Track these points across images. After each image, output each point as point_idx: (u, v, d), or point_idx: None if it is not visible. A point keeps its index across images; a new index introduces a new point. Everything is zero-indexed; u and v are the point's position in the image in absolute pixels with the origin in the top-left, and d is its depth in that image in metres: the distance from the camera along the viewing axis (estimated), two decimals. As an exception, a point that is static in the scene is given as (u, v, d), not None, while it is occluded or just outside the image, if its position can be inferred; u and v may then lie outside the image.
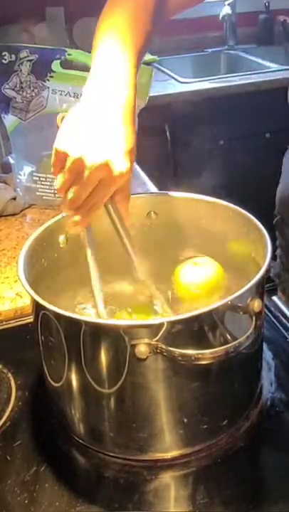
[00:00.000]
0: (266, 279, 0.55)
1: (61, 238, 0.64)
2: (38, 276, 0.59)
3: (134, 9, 0.62)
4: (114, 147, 0.53)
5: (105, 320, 0.56)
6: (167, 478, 0.55)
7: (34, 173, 1.02)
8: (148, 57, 2.07)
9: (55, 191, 1.02)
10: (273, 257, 0.94)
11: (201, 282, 0.63)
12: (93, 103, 0.55)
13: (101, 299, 0.56)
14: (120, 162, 0.52)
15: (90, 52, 0.63)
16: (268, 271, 0.53)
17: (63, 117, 0.55)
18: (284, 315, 0.72)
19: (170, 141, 1.80)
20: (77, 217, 0.54)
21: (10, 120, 0.99)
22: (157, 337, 0.48)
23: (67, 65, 0.96)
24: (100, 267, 0.57)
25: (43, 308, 0.51)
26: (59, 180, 0.54)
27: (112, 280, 0.64)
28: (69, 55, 0.94)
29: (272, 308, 0.74)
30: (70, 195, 0.53)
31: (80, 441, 0.58)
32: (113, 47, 0.58)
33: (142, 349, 0.48)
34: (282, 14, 2.20)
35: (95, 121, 0.54)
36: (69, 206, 0.54)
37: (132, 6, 0.62)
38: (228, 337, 0.51)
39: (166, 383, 0.52)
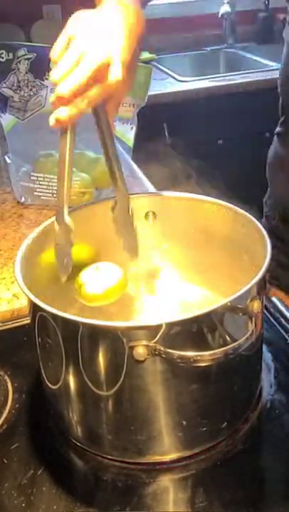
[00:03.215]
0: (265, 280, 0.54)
1: (58, 238, 0.63)
2: (35, 277, 0.58)
3: None
4: (114, 50, 0.54)
5: (103, 322, 0.55)
6: (166, 481, 0.54)
7: (32, 173, 1.01)
8: (146, 55, 2.06)
9: (54, 191, 1.01)
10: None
11: (99, 291, 0.61)
12: (105, 9, 0.58)
13: (66, 202, 0.55)
14: (117, 67, 0.53)
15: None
16: (267, 272, 0.52)
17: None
18: (283, 316, 0.72)
19: (169, 140, 1.80)
20: (66, 109, 0.51)
21: (7, 119, 0.98)
22: (156, 339, 0.48)
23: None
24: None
25: (40, 309, 0.50)
26: (58, 67, 0.52)
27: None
28: None
29: (272, 310, 0.73)
30: (69, 80, 0.51)
31: (78, 444, 0.57)
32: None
33: (140, 351, 0.48)
34: (281, 12, 2.19)
35: (102, 23, 0.56)
36: (65, 93, 0.51)
37: None
38: (227, 338, 0.51)
39: (165, 385, 0.51)
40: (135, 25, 0.58)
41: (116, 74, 0.53)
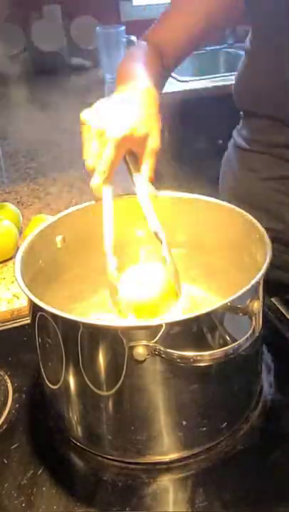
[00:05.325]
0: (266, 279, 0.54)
1: (58, 238, 0.64)
2: (35, 276, 0.59)
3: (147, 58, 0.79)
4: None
5: (103, 322, 0.55)
6: (166, 481, 0.54)
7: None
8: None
9: None
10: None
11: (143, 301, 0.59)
12: (125, 97, 0.65)
13: (113, 260, 0.59)
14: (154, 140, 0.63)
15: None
16: (267, 272, 0.52)
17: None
18: (284, 316, 0.72)
19: (169, 140, 1.80)
20: (99, 176, 0.60)
21: None
22: (155, 339, 0.48)
23: None
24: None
25: (40, 309, 0.50)
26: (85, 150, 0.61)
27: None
28: None
29: (272, 310, 0.73)
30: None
31: (78, 444, 0.57)
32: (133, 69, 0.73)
33: (140, 351, 0.48)
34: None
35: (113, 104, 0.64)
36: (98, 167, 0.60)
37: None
38: (228, 338, 0.51)
39: (165, 385, 0.51)
40: (151, 104, 0.65)
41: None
